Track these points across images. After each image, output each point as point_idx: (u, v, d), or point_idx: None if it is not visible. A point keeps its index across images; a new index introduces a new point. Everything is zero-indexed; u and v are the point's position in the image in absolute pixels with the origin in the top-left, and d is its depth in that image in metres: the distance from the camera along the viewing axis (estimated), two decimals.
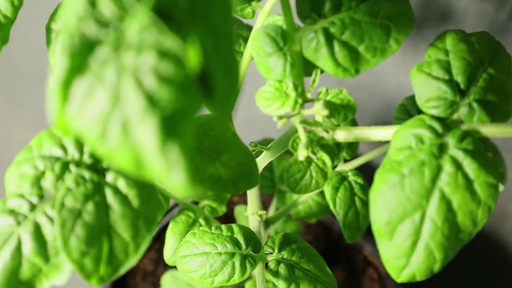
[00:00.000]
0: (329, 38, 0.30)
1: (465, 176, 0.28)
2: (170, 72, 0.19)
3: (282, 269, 0.37)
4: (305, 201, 0.50)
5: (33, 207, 0.27)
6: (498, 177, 0.45)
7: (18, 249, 0.26)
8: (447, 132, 0.29)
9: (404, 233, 0.28)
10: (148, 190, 0.28)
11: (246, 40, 0.41)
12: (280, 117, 0.30)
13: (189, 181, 0.19)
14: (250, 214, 0.43)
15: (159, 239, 0.65)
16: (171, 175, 0.19)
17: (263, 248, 0.38)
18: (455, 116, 0.30)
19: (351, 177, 0.44)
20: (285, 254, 0.38)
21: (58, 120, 0.20)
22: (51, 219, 0.26)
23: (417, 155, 0.28)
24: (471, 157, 0.28)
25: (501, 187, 0.47)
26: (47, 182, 0.27)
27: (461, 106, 0.30)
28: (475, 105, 0.29)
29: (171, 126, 0.19)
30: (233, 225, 0.39)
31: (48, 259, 0.27)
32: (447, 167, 0.28)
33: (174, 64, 0.19)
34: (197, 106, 0.19)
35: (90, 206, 0.26)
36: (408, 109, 0.41)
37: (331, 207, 0.43)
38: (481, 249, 0.81)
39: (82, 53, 0.19)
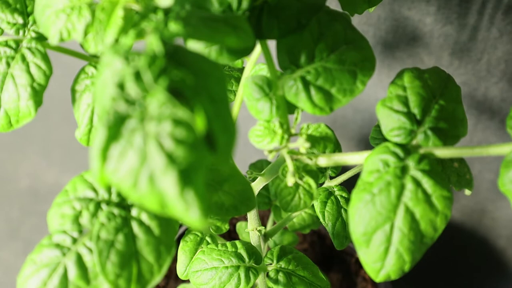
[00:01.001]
0: (306, 84, 0.36)
1: (424, 192, 0.34)
2: (183, 136, 0.25)
3: (281, 277, 0.43)
4: (298, 214, 0.56)
5: (74, 241, 0.33)
6: (465, 184, 0.51)
7: (64, 275, 0.32)
8: (408, 156, 0.35)
9: (378, 241, 0.34)
10: (166, 221, 0.34)
11: (237, 79, 0.48)
12: (270, 151, 0.37)
13: (203, 217, 0.25)
14: (250, 230, 0.49)
15: None
16: (189, 214, 0.25)
17: (263, 260, 0.44)
18: (414, 142, 0.36)
19: (337, 192, 0.51)
20: (282, 264, 0.44)
21: (99, 175, 0.26)
22: (90, 250, 0.32)
23: (384, 177, 0.34)
24: (427, 176, 0.34)
25: (468, 192, 0.54)
26: (84, 219, 0.33)
27: (418, 133, 0.36)
28: (429, 132, 0.36)
29: (187, 177, 0.25)
30: (237, 242, 0.45)
31: (89, 282, 0.33)
32: (409, 185, 0.34)
33: (186, 130, 0.25)
34: (205, 159, 0.25)
35: (120, 237, 0.32)
36: (381, 131, 0.47)
37: (321, 219, 0.50)
38: (462, 244, 0.87)
39: (116, 125, 0.25)
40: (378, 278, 0.35)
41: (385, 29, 0.64)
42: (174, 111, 0.25)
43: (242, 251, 0.44)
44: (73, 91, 0.37)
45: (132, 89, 0.25)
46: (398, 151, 0.35)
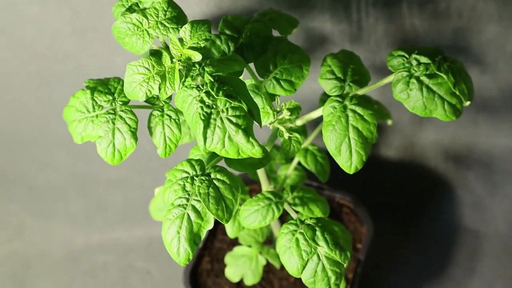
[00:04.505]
0: (277, 80, 0.63)
1: (359, 114, 0.61)
2: (239, 113, 0.51)
3: (297, 201, 0.70)
4: (290, 174, 0.83)
5: (187, 200, 0.58)
6: (386, 116, 0.80)
7: (189, 219, 0.58)
8: (344, 100, 0.62)
9: (344, 149, 0.61)
10: (231, 176, 0.60)
11: None
12: (271, 123, 0.64)
13: (260, 150, 0.52)
14: (264, 190, 0.75)
15: (207, 249, 0.96)
16: (253, 150, 0.52)
17: (283, 196, 0.71)
18: (344, 92, 0.64)
19: (311, 148, 0.78)
20: (295, 194, 0.71)
21: (204, 148, 0.52)
22: (198, 201, 0.58)
23: (335, 114, 0.62)
24: (358, 106, 0.62)
25: (390, 122, 0.83)
26: (188, 187, 0.59)
27: (345, 86, 0.64)
28: (351, 84, 0.64)
29: (246, 132, 0.51)
30: (263, 192, 0.71)
31: (203, 219, 0.58)
32: (350, 113, 0.61)
33: (239, 111, 0.51)
34: (252, 123, 0.52)
35: (211, 189, 0.58)
36: (325, 97, 0.75)
37: (306, 166, 0.77)
38: (405, 173, 1.15)
39: (206, 120, 0.51)
40: (351, 170, 0.62)
41: (302, 40, 0.93)
42: (231, 104, 0.52)
43: (269, 195, 0.70)
44: (149, 127, 0.63)
45: (208, 100, 0.52)
46: (338, 99, 0.63)
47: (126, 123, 0.61)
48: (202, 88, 0.53)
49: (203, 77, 0.54)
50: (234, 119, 0.52)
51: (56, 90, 1.05)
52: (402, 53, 0.61)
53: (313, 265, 0.63)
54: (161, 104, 0.63)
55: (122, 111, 0.61)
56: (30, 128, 1.17)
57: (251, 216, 0.69)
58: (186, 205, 0.58)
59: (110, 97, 0.62)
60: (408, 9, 0.89)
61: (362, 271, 0.90)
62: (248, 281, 0.85)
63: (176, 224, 0.58)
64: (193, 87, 0.53)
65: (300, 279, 0.89)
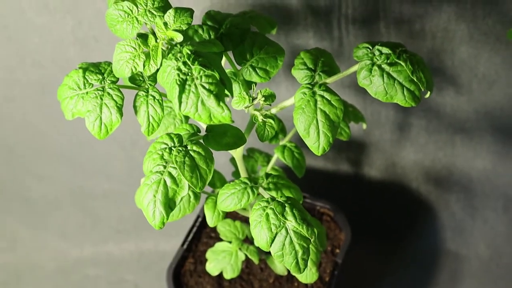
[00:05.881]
0: (253, 68, 0.69)
1: (326, 99, 0.67)
2: (212, 81, 0.57)
3: (271, 186, 0.74)
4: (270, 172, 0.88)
5: (164, 167, 0.63)
6: (360, 119, 0.85)
7: (165, 184, 0.63)
8: (313, 87, 0.68)
9: (312, 131, 0.67)
10: (206, 149, 0.65)
11: None
12: (246, 108, 0.69)
13: (228, 114, 0.57)
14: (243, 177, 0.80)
15: (191, 251, 1.00)
16: (223, 114, 0.57)
17: (258, 182, 0.75)
18: (314, 81, 0.69)
19: (288, 145, 0.83)
20: (270, 180, 0.75)
21: (179, 112, 0.58)
22: (174, 168, 0.63)
23: (305, 99, 0.67)
24: (326, 92, 0.67)
25: (364, 126, 0.88)
26: (166, 156, 0.64)
27: (316, 76, 0.70)
28: (321, 74, 0.70)
29: (218, 97, 0.57)
30: (241, 178, 0.76)
31: (178, 185, 0.63)
32: (319, 98, 0.67)
33: (212, 78, 0.57)
34: (223, 90, 0.58)
35: (187, 159, 0.63)
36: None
37: (284, 162, 0.82)
38: (387, 195, 1.20)
39: (182, 85, 0.57)
40: (319, 152, 0.67)
41: (287, 56, 1.00)
42: (205, 72, 0.58)
43: (245, 180, 0.75)
44: (135, 106, 0.69)
45: (185, 68, 0.58)
46: (309, 86, 0.68)
47: (113, 99, 0.67)
48: (180, 59, 0.59)
49: (187, 50, 0.60)
50: (207, 85, 0.57)
51: (56, 100, 1.12)
52: (367, 45, 0.67)
53: (281, 238, 0.67)
54: (146, 86, 0.69)
55: (110, 88, 0.67)
56: (30, 139, 1.23)
57: (228, 199, 0.74)
58: (163, 171, 0.63)
59: (100, 77, 0.68)
60: (385, 28, 0.96)
61: (338, 274, 0.93)
62: (227, 275, 0.88)
63: (153, 189, 0.63)
64: (172, 59, 0.59)
65: (279, 280, 0.93)
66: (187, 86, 0.58)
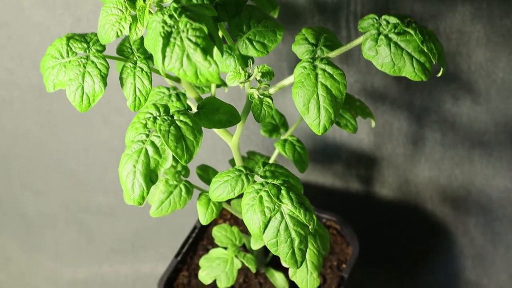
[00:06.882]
0: (250, 41, 0.64)
1: (328, 73, 0.61)
2: (199, 34, 0.52)
3: (268, 173, 0.68)
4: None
5: (147, 136, 0.57)
6: (368, 115, 0.79)
7: (146, 154, 0.57)
8: (314, 61, 0.63)
9: (312, 106, 0.61)
10: (194, 120, 0.59)
11: None
12: (242, 83, 0.64)
13: (216, 70, 0.52)
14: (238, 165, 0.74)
15: (186, 264, 0.92)
16: (210, 69, 0.52)
17: (255, 170, 0.69)
18: (316, 55, 0.64)
19: (290, 138, 0.77)
20: (267, 168, 0.69)
21: (161, 68, 0.52)
22: (158, 137, 0.57)
23: (306, 72, 0.62)
24: (328, 65, 0.62)
25: (373, 123, 0.82)
26: (149, 125, 0.58)
27: (317, 50, 0.64)
28: (323, 48, 0.64)
29: (205, 51, 0.52)
30: (236, 166, 0.69)
31: (161, 156, 0.57)
32: (320, 72, 0.61)
33: (200, 31, 0.52)
34: (212, 45, 0.52)
35: (172, 128, 0.58)
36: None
37: (285, 155, 0.75)
38: (400, 213, 1.12)
39: (166, 38, 0.52)
40: (320, 130, 0.61)
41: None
42: (192, 25, 0.53)
43: (240, 167, 0.68)
44: (121, 78, 0.64)
45: (170, 21, 0.53)
46: (310, 60, 0.63)
47: (96, 67, 0.62)
48: (166, 13, 0.54)
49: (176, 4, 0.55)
50: (193, 39, 0.52)
51: (55, 103, 1.08)
52: (373, 16, 0.62)
53: (276, 224, 0.60)
54: (134, 59, 0.64)
55: (94, 56, 0.62)
56: (27, 149, 1.18)
57: (220, 187, 0.67)
58: (146, 140, 0.58)
59: (85, 45, 0.63)
60: None
61: None
62: (221, 284, 0.80)
63: (133, 159, 0.57)
64: (157, 14, 0.54)
65: None
66: (171, 39, 0.52)
